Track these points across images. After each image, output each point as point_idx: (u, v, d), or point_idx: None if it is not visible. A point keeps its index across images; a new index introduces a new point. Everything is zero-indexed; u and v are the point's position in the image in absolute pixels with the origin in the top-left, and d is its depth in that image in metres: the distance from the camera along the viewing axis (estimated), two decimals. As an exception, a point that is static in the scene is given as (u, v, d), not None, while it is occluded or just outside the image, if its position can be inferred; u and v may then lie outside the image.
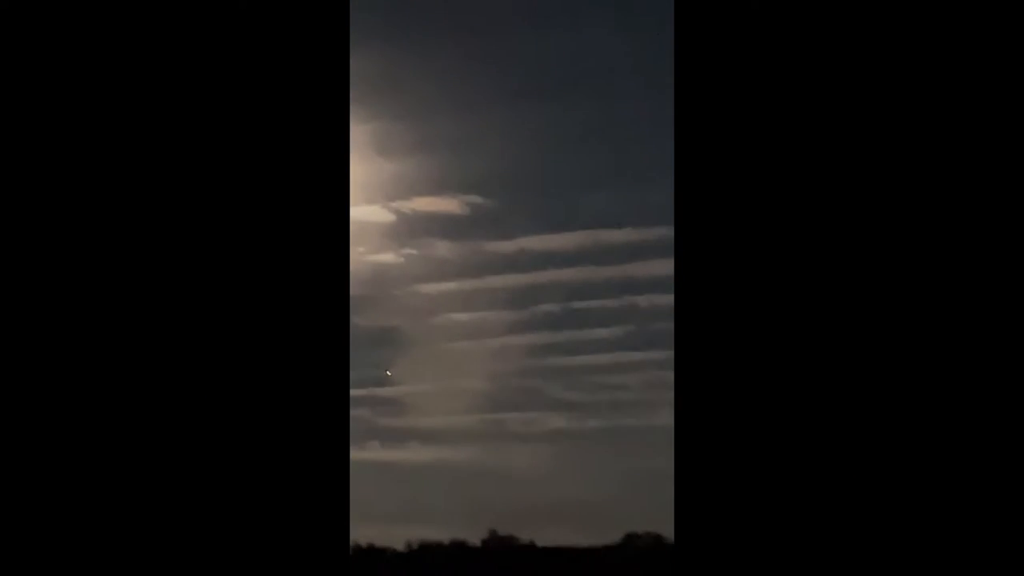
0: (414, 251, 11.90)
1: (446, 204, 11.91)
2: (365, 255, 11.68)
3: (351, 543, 7.46)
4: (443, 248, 11.92)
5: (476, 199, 11.41)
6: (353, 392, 12.41)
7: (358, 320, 11.33)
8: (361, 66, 11.40)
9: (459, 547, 35.12)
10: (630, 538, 35.70)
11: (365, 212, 11.45)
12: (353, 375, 12.28)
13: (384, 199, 11.58)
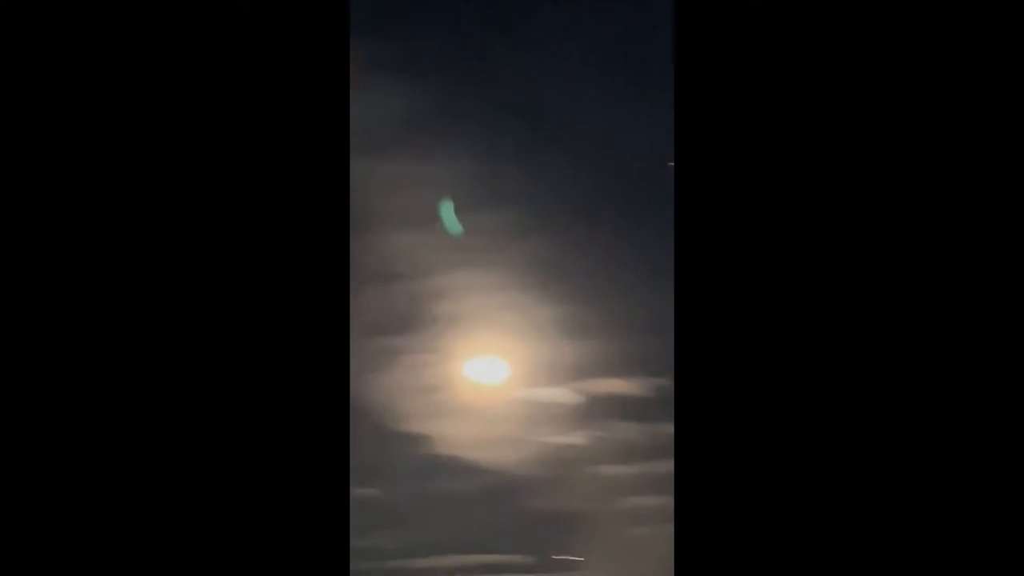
0: (598, 433, 12.18)
1: (630, 386, 12.09)
2: (546, 436, 12.01)
3: None
4: (627, 429, 12.16)
5: (661, 381, 11.62)
6: None
7: (536, 503, 11.61)
8: (543, 250, 11.68)
9: None
10: None
11: (547, 394, 11.74)
12: (523, 559, 12.48)
13: (565, 381, 11.90)
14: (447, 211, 11.50)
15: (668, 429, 11.80)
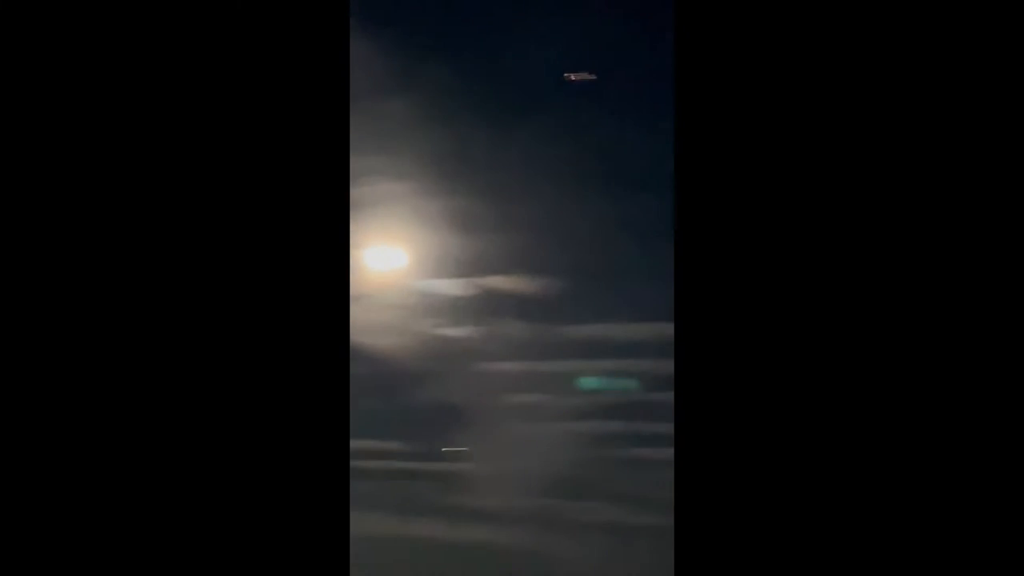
0: (486, 328, 12.14)
1: (523, 284, 12.01)
2: (435, 328, 11.89)
3: None
4: (516, 328, 12.12)
5: (555, 281, 11.53)
6: (411, 465, 12.55)
7: (418, 393, 11.58)
8: (438, 145, 11.64)
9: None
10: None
11: (437, 285, 11.61)
12: (411, 448, 12.51)
13: (457, 274, 11.77)
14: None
15: (557, 328, 12.05)
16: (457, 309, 12.13)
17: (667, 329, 11.67)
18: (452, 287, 12.06)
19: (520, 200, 11.62)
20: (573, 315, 11.90)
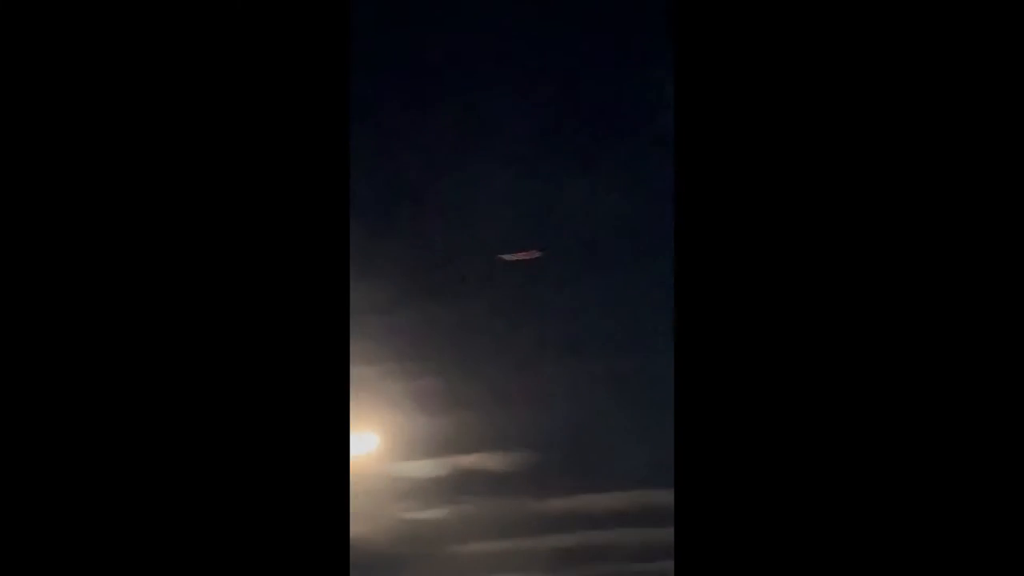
0: (459, 508, 12.00)
1: (494, 460, 11.96)
2: (407, 511, 11.82)
3: None
4: (489, 506, 11.97)
5: (527, 455, 11.48)
6: None
7: None
8: (398, 323, 11.70)
9: None
10: None
11: (408, 468, 11.62)
12: None
13: (427, 455, 11.75)
14: None
15: (528, 504, 11.90)
16: (429, 491, 12.03)
17: (647, 496, 11.60)
18: (423, 468, 11.98)
19: (485, 375, 11.62)
20: (548, 488, 11.82)
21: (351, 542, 11.69)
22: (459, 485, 11.98)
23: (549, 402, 11.68)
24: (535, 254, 11.43)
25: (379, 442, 11.87)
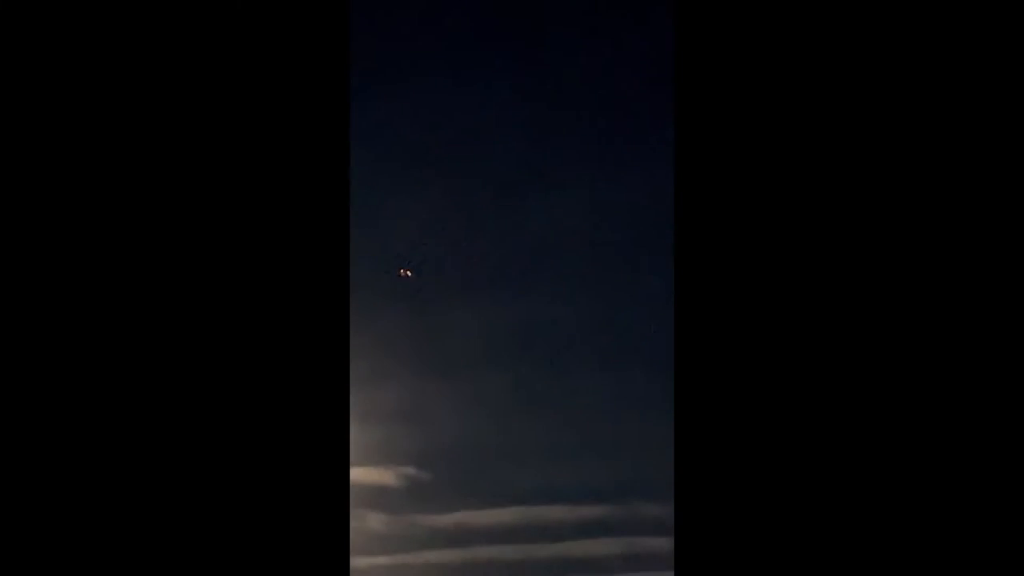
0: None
1: (381, 476, 11.35)
2: None
3: None
4: (377, 520, 11.26)
5: (412, 471, 10.97)
6: None
7: None
8: None
9: None
10: None
11: None
12: None
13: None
14: None
15: (416, 519, 11.69)
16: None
17: (529, 512, 11.71)
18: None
19: (380, 387, 11.67)
20: (435, 503, 11.83)
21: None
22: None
23: (434, 418, 11.81)
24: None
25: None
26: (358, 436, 11.75)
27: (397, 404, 11.73)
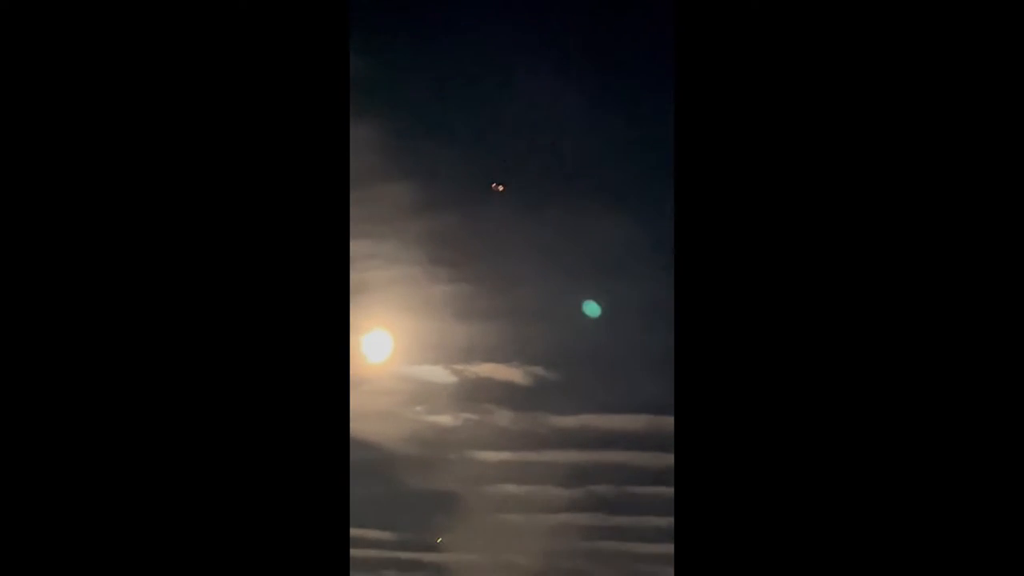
0: (476, 416, 11.64)
1: (514, 373, 11.71)
2: (426, 415, 11.40)
3: None
4: (505, 417, 11.68)
5: (546, 371, 11.28)
6: (401, 555, 11.85)
7: (410, 480, 11.09)
8: (441, 227, 11.77)
9: None
10: None
11: (430, 372, 11.30)
12: (402, 537, 11.94)
13: (448, 361, 11.41)
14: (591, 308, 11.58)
15: (542, 418, 11.95)
16: (449, 396, 12.01)
17: (658, 421, 11.85)
18: (445, 374, 11.98)
19: (518, 287, 11.79)
20: (562, 405, 11.98)
21: (367, 440, 11.56)
22: (478, 393, 12.02)
23: (567, 320, 11.90)
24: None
25: (403, 344, 11.84)
26: (489, 333, 11.96)
27: (532, 304, 11.83)
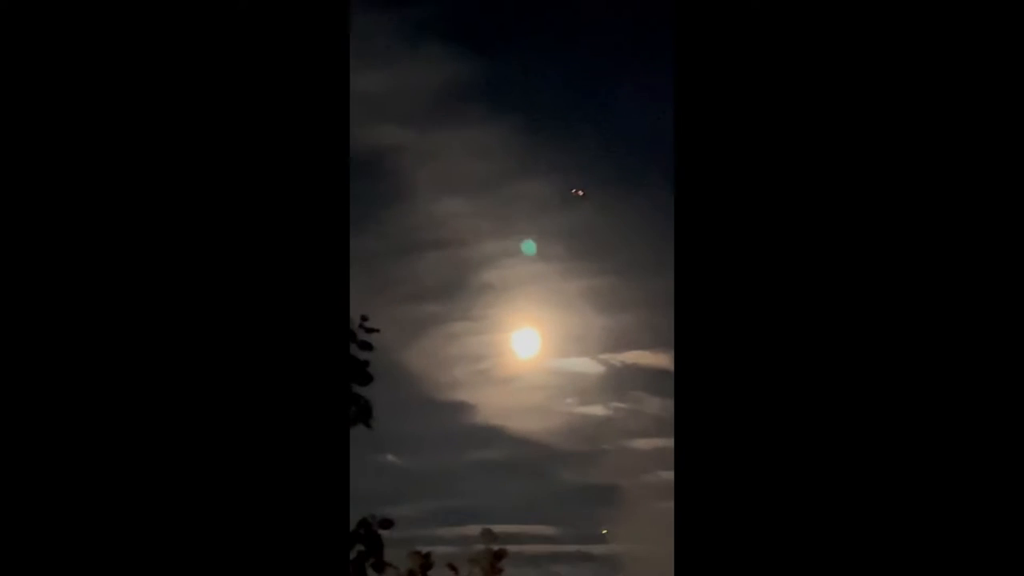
0: (626, 405, 11.84)
1: (662, 359, 11.89)
2: (577, 407, 11.66)
3: None
4: (655, 404, 11.83)
5: None
6: (568, 548, 12.08)
7: (567, 473, 11.36)
8: (580, 221, 12.03)
9: None
10: None
11: (578, 364, 11.56)
12: (565, 531, 12.03)
13: (596, 352, 11.65)
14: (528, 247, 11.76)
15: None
16: (598, 387, 12.10)
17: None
18: (592, 365, 12.08)
19: (658, 276, 11.84)
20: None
21: (522, 436, 11.67)
22: (626, 382, 12.09)
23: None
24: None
25: (550, 338, 11.98)
26: (631, 321, 12.03)
27: (671, 290, 11.85)
